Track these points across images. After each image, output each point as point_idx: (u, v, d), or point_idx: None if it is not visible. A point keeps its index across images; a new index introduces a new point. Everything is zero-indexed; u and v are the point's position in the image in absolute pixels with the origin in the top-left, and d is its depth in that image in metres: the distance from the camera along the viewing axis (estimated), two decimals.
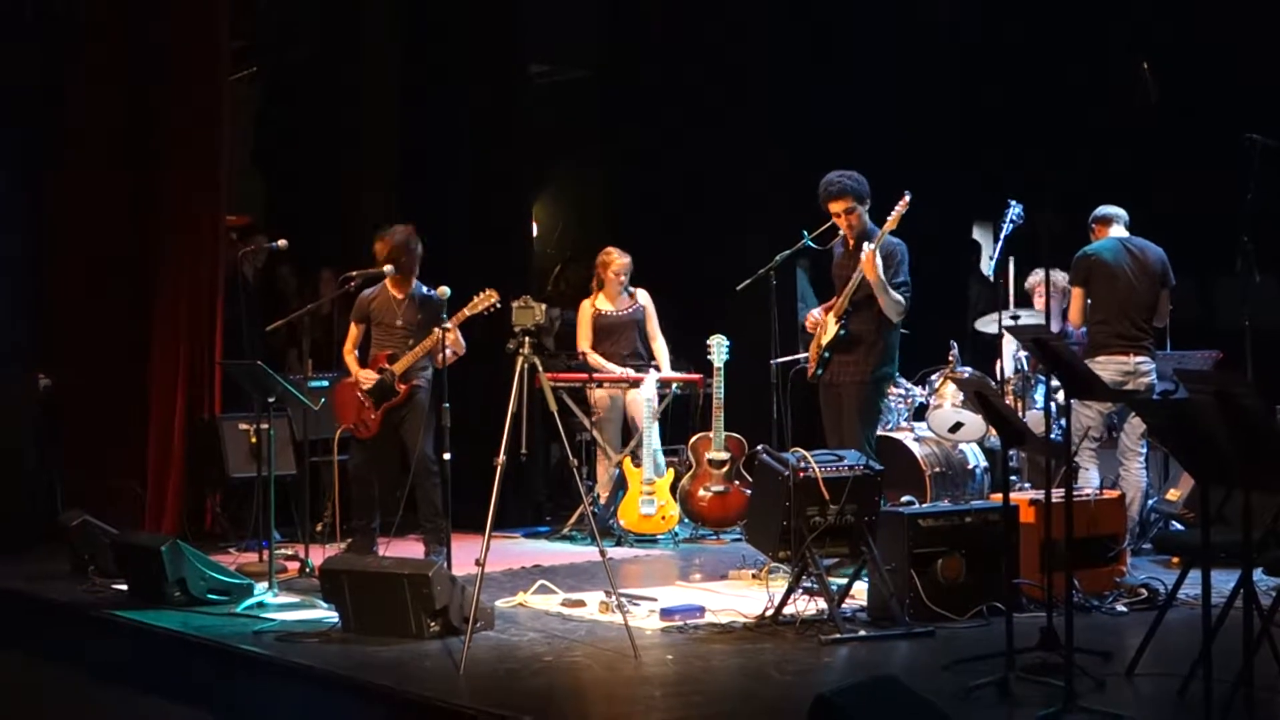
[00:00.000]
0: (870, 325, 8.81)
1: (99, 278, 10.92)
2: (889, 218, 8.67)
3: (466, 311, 9.03)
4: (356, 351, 9.58)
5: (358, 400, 9.39)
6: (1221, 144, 9.06)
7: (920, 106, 12.10)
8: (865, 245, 8.67)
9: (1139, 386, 8.92)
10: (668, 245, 10.94)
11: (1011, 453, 7.97)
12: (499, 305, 8.95)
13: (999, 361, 9.75)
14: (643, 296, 10.96)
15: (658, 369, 10.76)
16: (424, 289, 9.40)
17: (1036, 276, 9.77)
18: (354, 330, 9.61)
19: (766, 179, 11.83)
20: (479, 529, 7.10)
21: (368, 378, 9.36)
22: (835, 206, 8.89)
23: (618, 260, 10.83)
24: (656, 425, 10.51)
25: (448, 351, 8.60)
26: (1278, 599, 6.06)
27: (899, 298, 8.73)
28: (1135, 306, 9.07)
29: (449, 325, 8.82)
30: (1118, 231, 9.29)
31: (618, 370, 10.72)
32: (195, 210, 10.78)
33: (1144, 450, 9.14)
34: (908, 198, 8.63)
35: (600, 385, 10.85)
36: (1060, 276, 9.60)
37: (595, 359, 10.83)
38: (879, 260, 8.62)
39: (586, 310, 10.98)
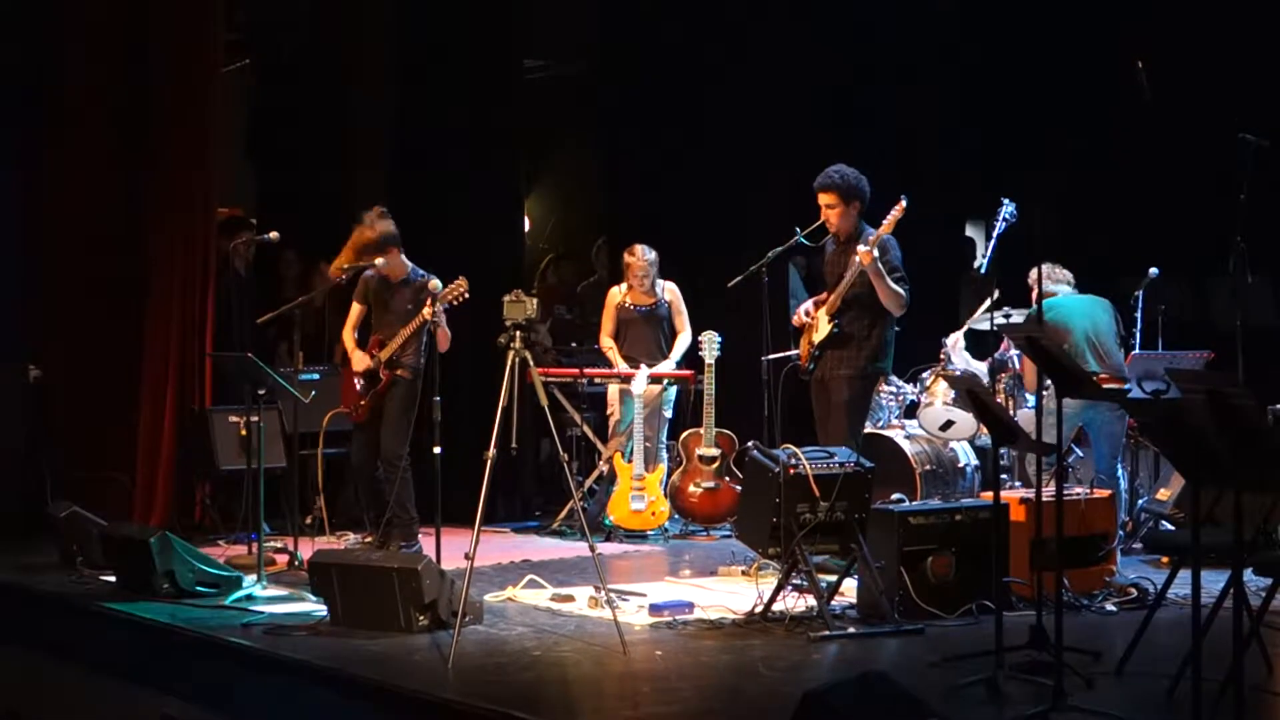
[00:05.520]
0: (864, 322, 8.80)
1: (89, 269, 10.89)
2: (884, 221, 8.65)
3: (448, 295, 8.87)
4: (356, 333, 9.54)
5: (354, 384, 9.41)
6: (1215, 143, 9.05)
7: (916, 103, 12.09)
8: (860, 247, 8.64)
9: None
10: (660, 241, 10.90)
11: (1002, 451, 7.95)
12: (467, 296, 8.87)
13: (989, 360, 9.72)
14: (669, 292, 10.86)
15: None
16: (419, 273, 9.35)
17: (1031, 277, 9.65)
18: (356, 310, 9.58)
19: (761, 177, 11.79)
20: (469, 523, 7.07)
21: (361, 361, 9.37)
22: (821, 198, 8.88)
23: (636, 261, 10.71)
24: (666, 421, 10.62)
25: (438, 335, 8.59)
26: (1267, 599, 6.07)
27: (899, 289, 8.70)
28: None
29: (438, 309, 8.79)
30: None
31: (622, 366, 10.68)
32: (187, 202, 10.74)
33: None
34: (904, 203, 8.61)
35: (591, 382, 10.83)
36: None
37: (610, 353, 10.79)
38: (875, 251, 8.60)
39: (613, 299, 10.91)
